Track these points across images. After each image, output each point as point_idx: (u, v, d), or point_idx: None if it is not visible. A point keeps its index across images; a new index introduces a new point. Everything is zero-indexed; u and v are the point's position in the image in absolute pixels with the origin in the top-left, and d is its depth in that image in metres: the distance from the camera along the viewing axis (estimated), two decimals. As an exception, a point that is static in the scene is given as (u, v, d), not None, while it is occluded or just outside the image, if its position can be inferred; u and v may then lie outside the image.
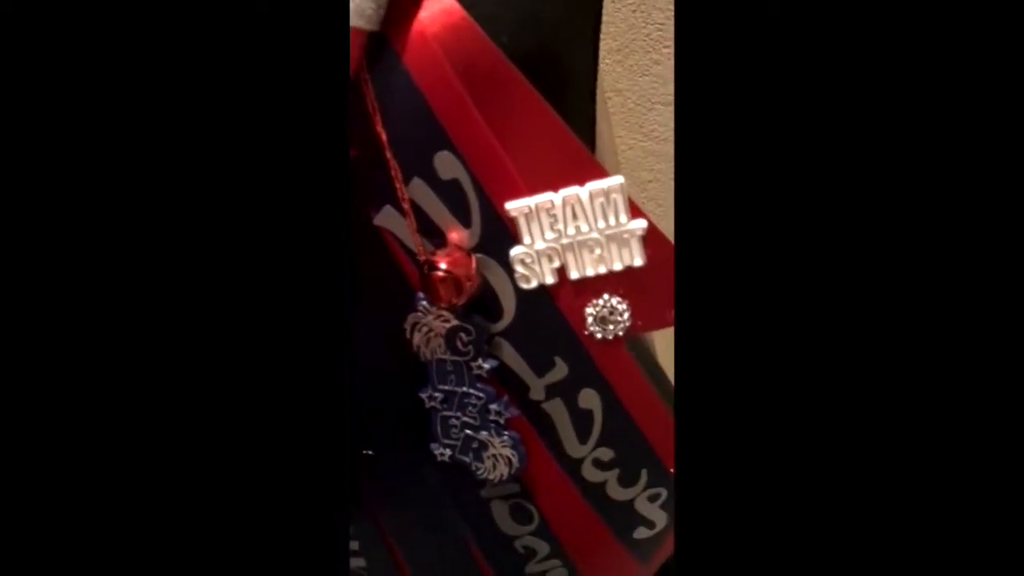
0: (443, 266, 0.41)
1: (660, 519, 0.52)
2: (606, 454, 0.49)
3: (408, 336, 0.45)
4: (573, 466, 0.49)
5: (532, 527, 0.50)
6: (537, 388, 0.46)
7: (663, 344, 0.52)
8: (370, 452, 0.50)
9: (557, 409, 0.47)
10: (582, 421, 0.47)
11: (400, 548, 0.53)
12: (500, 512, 0.50)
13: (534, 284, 0.44)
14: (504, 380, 0.47)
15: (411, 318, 0.45)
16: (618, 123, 1.10)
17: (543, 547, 0.50)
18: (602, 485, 0.49)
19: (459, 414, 0.47)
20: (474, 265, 0.42)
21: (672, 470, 0.50)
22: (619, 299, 0.44)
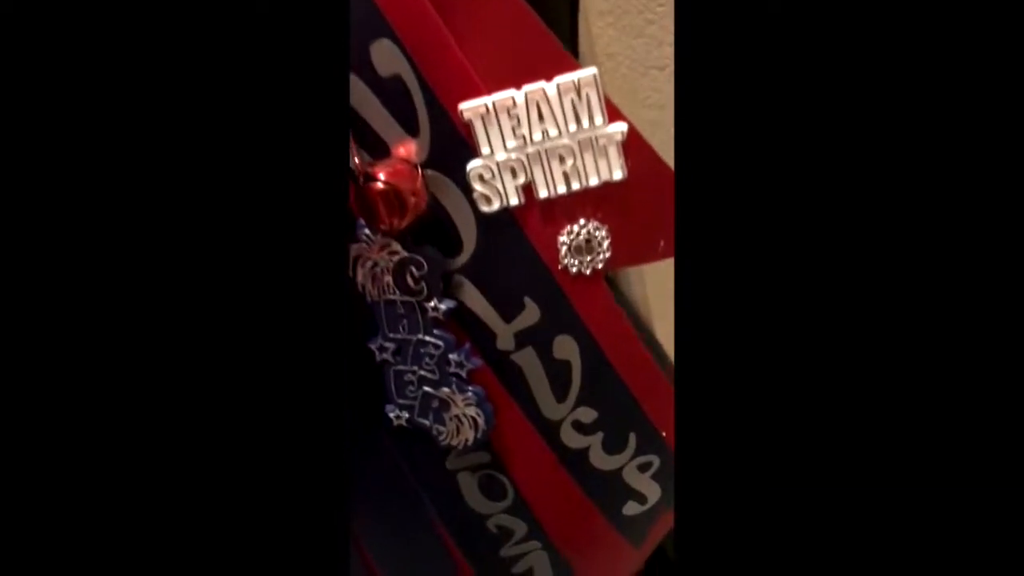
0: (382, 177, 0.34)
1: (652, 492, 0.46)
2: (587, 415, 0.43)
3: (351, 272, 0.39)
4: (550, 429, 0.43)
5: (506, 503, 0.45)
6: (505, 336, 0.41)
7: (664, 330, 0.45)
8: None
9: (529, 361, 0.41)
10: (559, 375, 0.42)
11: (362, 537, 0.47)
12: (468, 486, 0.44)
13: (496, 206, 0.38)
14: (467, 328, 0.41)
15: (353, 250, 0.39)
16: (611, 91, 1.05)
17: (520, 526, 0.45)
18: (584, 452, 0.44)
19: (415, 367, 0.41)
20: (420, 178, 0.36)
21: (664, 433, 0.44)
22: (597, 224, 0.38)
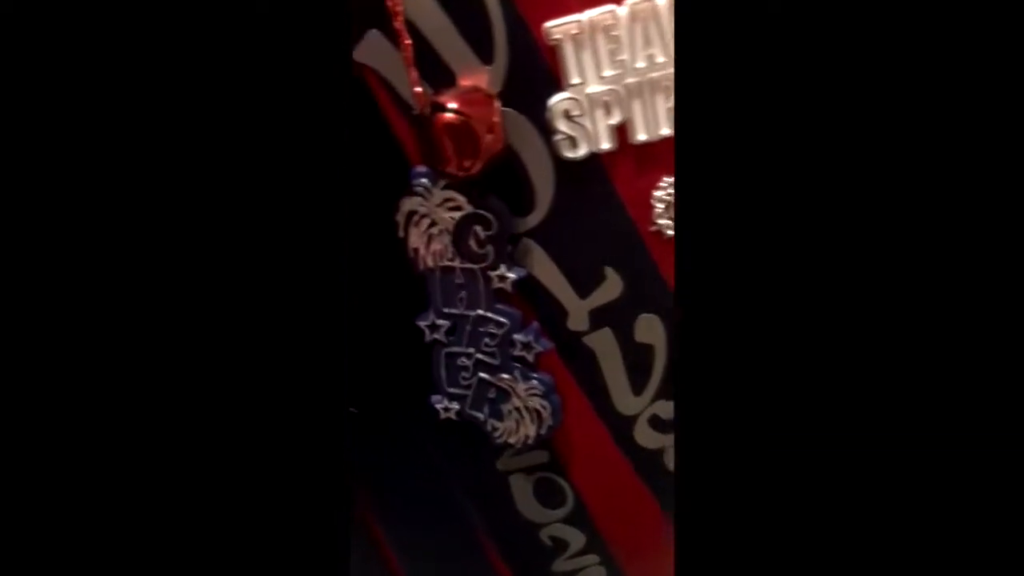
0: (453, 106, 0.28)
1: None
2: (667, 409, 0.38)
3: (401, 234, 0.33)
4: (623, 426, 0.38)
5: (564, 511, 0.40)
6: (579, 314, 0.35)
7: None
8: (354, 410, 0.38)
9: (605, 344, 0.36)
10: (638, 362, 0.36)
11: (391, 547, 0.43)
12: (522, 490, 0.39)
13: (582, 151, 0.32)
14: (532, 303, 0.35)
15: (405, 205, 0.32)
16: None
17: (577, 538, 0.41)
18: (659, 454, 0.39)
19: (471, 349, 0.35)
20: (498, 110, 0.29)
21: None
22: (701, 178, 0.32)
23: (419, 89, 0.30)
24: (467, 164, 0.29)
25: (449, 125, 0.28)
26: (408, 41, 0.30)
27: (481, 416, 0.37)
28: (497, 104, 0.30)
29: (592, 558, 0.41)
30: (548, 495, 0.39)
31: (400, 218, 0.33)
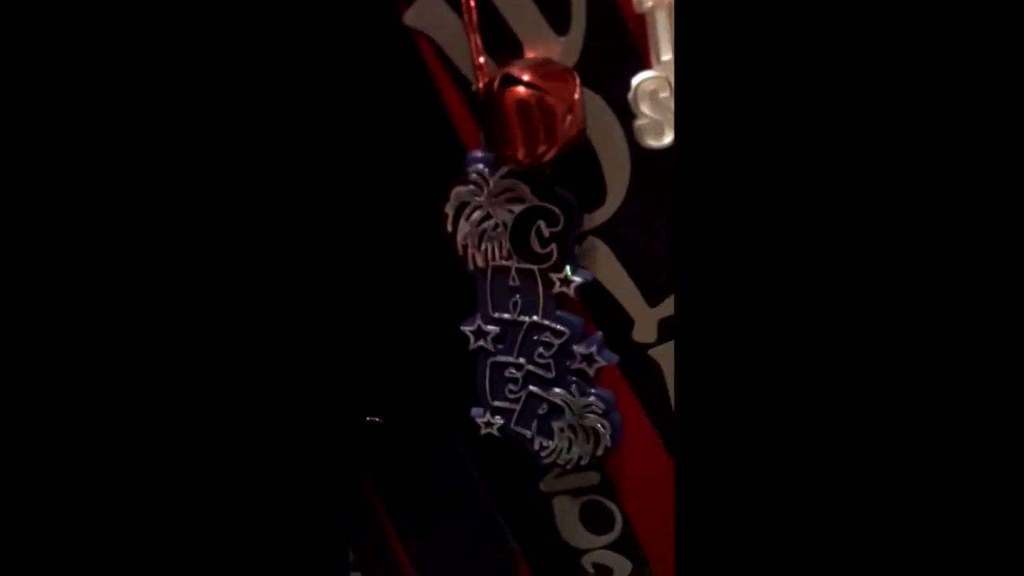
0: (528, 79, 0.23)
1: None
2: None
3: (449, 228, 0.29)
4: None
5: (611, 536, 0.37)
6: (646, 324, 0.32)
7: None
8: (377, 419, 0.34)
9: (672, 357, 0.32)
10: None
11: (414, 566, 0.39)
12: (566, 514, 0.37)
13: (666, 141, 0.27)
14: (593, 310, 0.31)
15: (455, 195, 0.28)
16: None
17: (623, 566, 0.38)
18: None
19: (522, 360, 0.32)
20: (579, 87, 0.25)
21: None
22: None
23: (483, 60, 0.26)
24: (540, 150, 0.24)
25: (522, 102, 0.24)
26: (472, 3, 0.26)
27: (528, 433, 0.33)
28: (577, 80, 0.26)
29: None
30: (595, 519, 0.36)
31: (449, 210, 0.29)
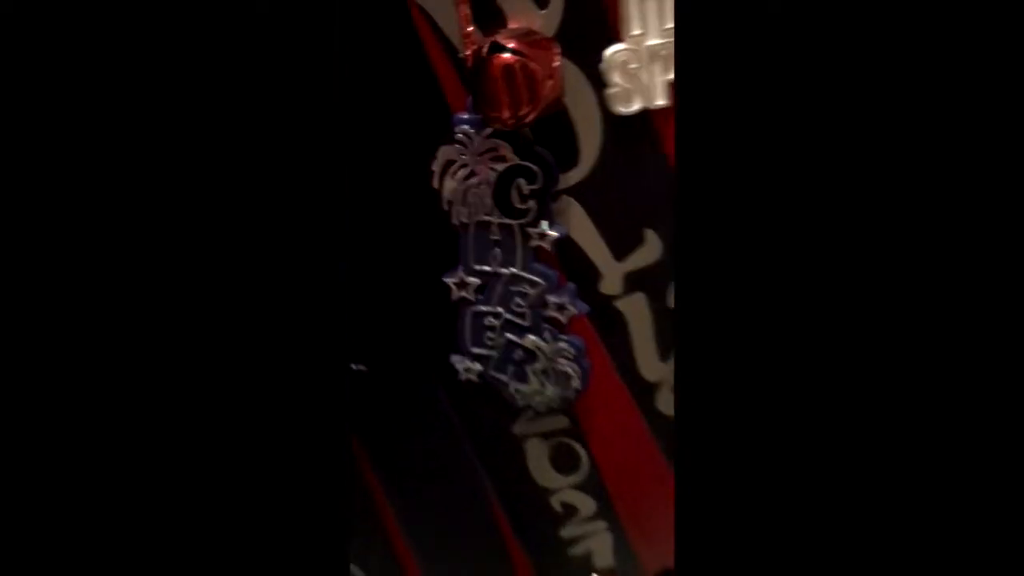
0: (513, 46, 0.26)
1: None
2: None
3: (436, 184, 0.31)
4: (646, 393, 0.37)
5: (577, 477, 0.39)
6: (613, 277, 0.34)
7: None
8: (362, 367, 0.36)
9: (637, 309, 0.35)
10: (667, 328, 0.36)
11: (391, 500, 0.41)
12: (537, 456, 0.39)
13: (635, 107, 0.30)
14: (565, 264, 0.34)
15: (442, 153, 0.30)
16: None
17: (588, 505, 0.40)
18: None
19: (501, 309, 0.34)
20: (559, 55, 0.27)
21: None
22: (754, 141, 0.30)
23: (471, 29, 0.28)
24: (523, 111, 0.27)
25: (508, 67, 0.27)
26: (461, -24, 0.28)
27: (505, 378, 0.36)
28: (558, 49, 0.28)
29: (600, 524, 0.40)
30: (564, 460, 0.39)
31: (436, 168, 0.31)
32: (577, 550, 0.41)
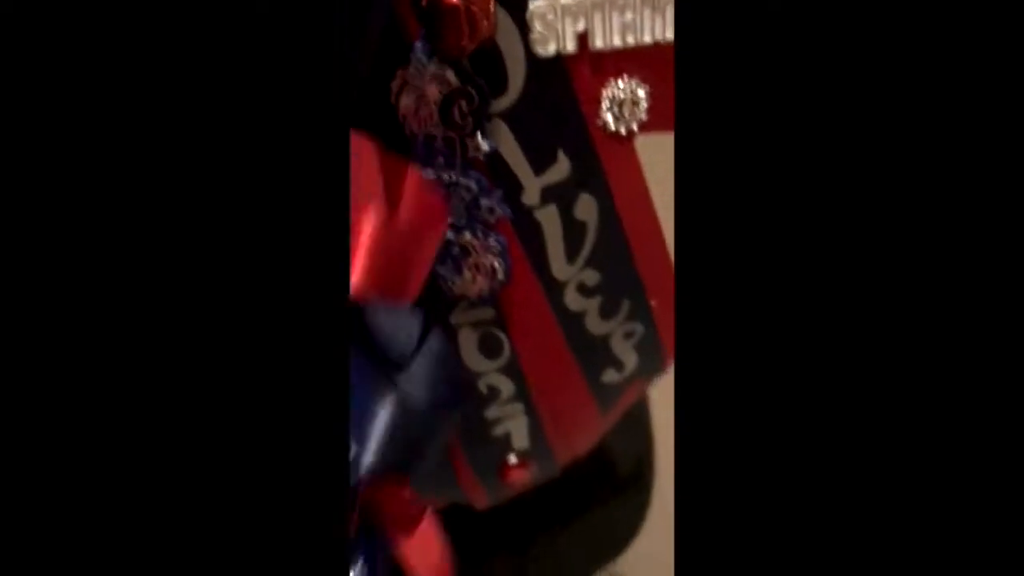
0: None
1: (630, 361, 0.48)
2: (592, 277, 0.44)
3: (393, 100, 0.38)
4: (556, 290, 0.44)
5: (500, 361, 0.44)
6: (532, 189, 0.41)
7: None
8: None
9: (550, 218, 0.42)
10: (574, 235, 0.43)
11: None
12: (468, 343, 0.44)
13: (551, 50, 0.38)
14: (495, 176, 0.41)
15: (399, 76, 0.38)
16: None
17: (508, 387, 0.45)
18: (581, 316, 0.45)
19: None
20: (494, 3, 0.36)
21: (654, 303, 0.47)
22: (639, 82, 0.39)
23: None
24: (465, 43, 0.35)
25: (454, 8, 0.34)
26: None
27: (442, 271, 0.42)
28: (493, -1, 0.36)
29: (518, 407, 0.46)
30: (489, 346, 0.43)
31: (395, 87, 0.38)
32: (498, 431, 0.47)
